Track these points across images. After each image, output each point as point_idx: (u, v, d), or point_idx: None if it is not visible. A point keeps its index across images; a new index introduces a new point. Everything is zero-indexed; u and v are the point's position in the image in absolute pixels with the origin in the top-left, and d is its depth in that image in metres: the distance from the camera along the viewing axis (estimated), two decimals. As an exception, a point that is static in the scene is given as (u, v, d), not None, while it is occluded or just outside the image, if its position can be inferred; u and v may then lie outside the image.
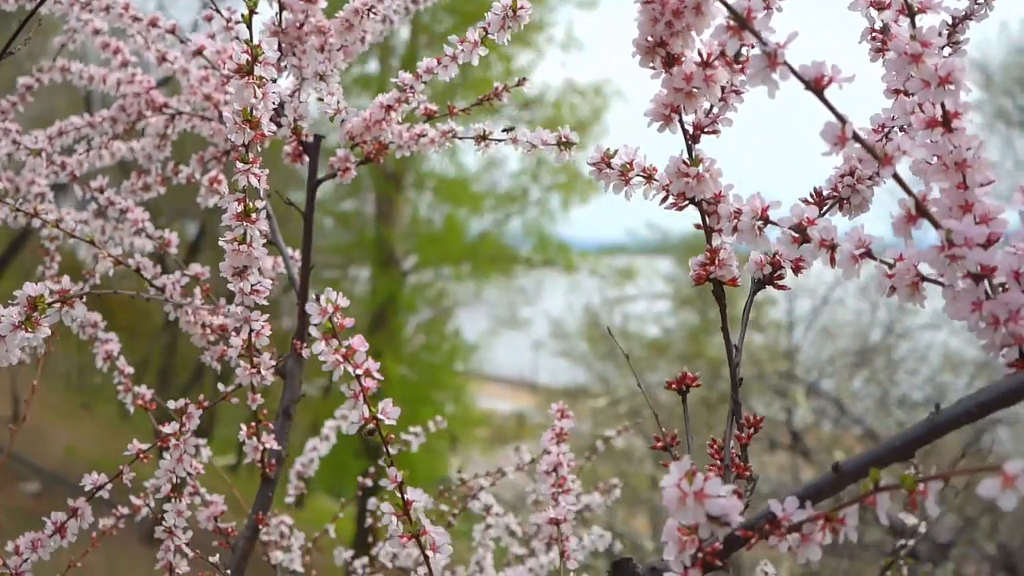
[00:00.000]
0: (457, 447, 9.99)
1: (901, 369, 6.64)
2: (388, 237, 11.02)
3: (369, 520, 1.25)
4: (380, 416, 0.63)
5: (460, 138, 0.98)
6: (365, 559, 1.35)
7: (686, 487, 0.49)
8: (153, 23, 1.10)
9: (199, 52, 1.07)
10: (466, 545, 1.50)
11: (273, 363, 0.90)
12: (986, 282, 0.52)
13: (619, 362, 9.06)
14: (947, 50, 0.72)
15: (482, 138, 0.96)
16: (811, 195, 0.68)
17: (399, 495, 0.64)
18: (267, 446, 0.96)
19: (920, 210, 0.51)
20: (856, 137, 0.50)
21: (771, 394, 6.29)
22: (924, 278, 0.54)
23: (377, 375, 0.62)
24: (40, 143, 1.14)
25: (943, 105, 0.53)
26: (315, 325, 0.60)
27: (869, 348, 7.09)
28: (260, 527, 0.98)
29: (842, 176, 0.68)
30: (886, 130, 0.68)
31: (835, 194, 0.68)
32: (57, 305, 0.66)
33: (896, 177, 0.51)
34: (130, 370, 1.10)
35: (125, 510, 1.12)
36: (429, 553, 0.64)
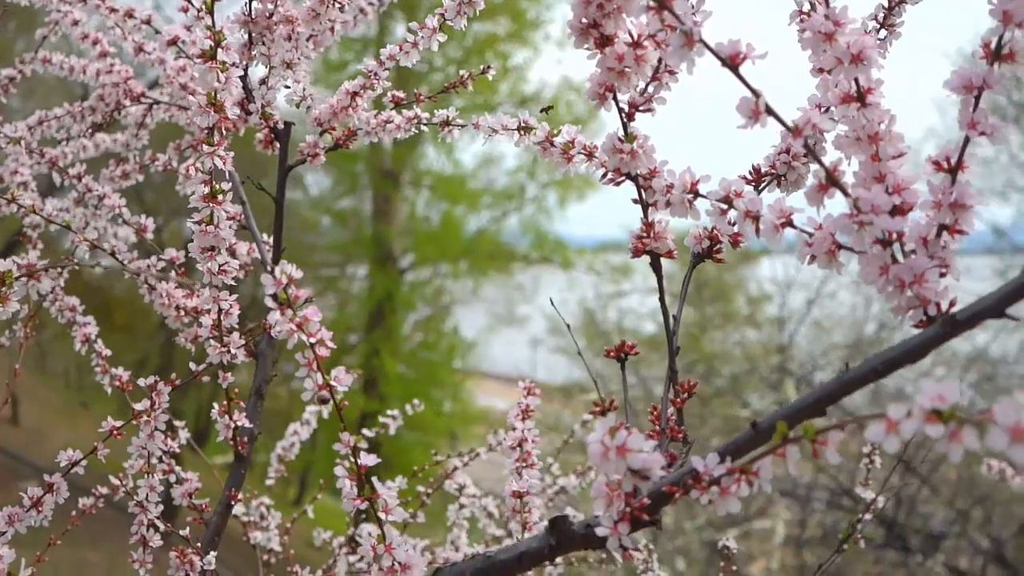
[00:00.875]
0: (456, 444, 10.05)
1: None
2: (385, 235, 11.06)
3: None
4: (333, 383, 0.65)
5: (425, 124, 1.01)
6: (342, 539, 1.38)
7: (609, 442, 0.52)
8: (129, 14, 1.13)
9: (173, 42, 1.09)
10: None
11: (242, 342, 0.93)
12: (898, 247, 0.55)
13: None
14: (883, 32, 0.75)
15: (445, 124, 0.99)
16: (749, 172, 0.71)
17: (352, 460, 0.67)
18: (239, 424, 0.99)
19: (831, 180, 0.54)
20: (769, 110, 0.53)
21: (765, 388, 6.33)
22: (840, 246, 0.57)
23: (330, 344, 0.65)
24: (20, 132, 1.17)
25: (857, 81, 0.56)
26: (270, 296, 0.63)
27: (863, 341, 7.13)
28: (233, 503, 1.01)
29: (779, 154, 0.71)
30: (822, 109, 0.71)
31: (772, 171, 0.71)
32: (24, 279, 0.69)
33: (807, 148, 0.54)
34: (107, 352, 1.12)
35: (104, 490, 1.15)
36: (382, 515, 0.67)
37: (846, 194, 0.54)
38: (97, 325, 1.12)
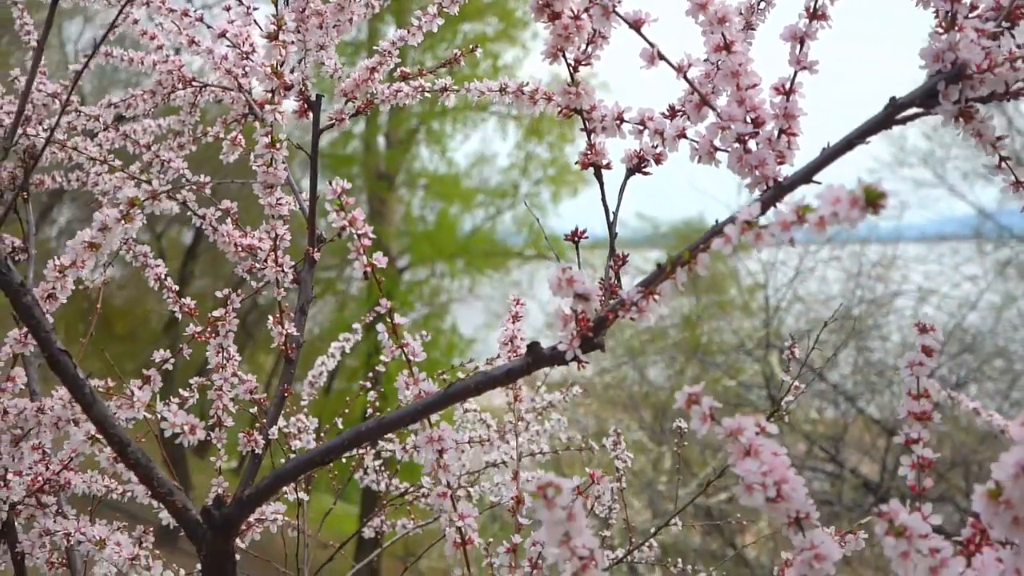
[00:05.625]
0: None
1: (873, 336, 6.97)
2: (382, 236, 11.32)
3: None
4: (375, 262, 0.92)
5: (428, 92, 1.28)
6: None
7: (562, 276, 0.79)
8: (185, 13, 1.39)
9: (223, 34, 1.36)
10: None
11: (293, 263, 1.20)
12: (753, 145, 0.82)
13: (615, 351, 9.45)
14: (762, 4, 1.02)
15: (444, 90, 1.26)
16: (667, 108, 0.98)
17: (390, 320, 0.94)
18: (289, 332, 1.26)
19: (703, 100, 0.81)
20: (661, 56, 0.80)
21: (752, 362, 6.61)
22: (716, 148, 0.84)
23: (371, 235, 0.92)
24: (97, 111, 1.44)
25: (724, 35, 0.83)
26: (328, 201, 0.90)
27: (850, 317, 7.43)
28: (286, 395, 1.28)
29: (687, 95, 0.98)
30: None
31: (682, 109, 0.98)
32: (150, 200, 0.95)
33: (687, 80, 0.81)
34: (176, 287, 1.39)
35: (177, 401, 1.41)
36: (411, 357, 0.94)
37: (714, 109, 0.81)
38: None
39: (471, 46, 1.30)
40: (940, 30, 0.74)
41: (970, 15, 0.75)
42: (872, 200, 0.57)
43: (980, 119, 0.75)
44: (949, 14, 0.74)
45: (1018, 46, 0.74)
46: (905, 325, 7.84)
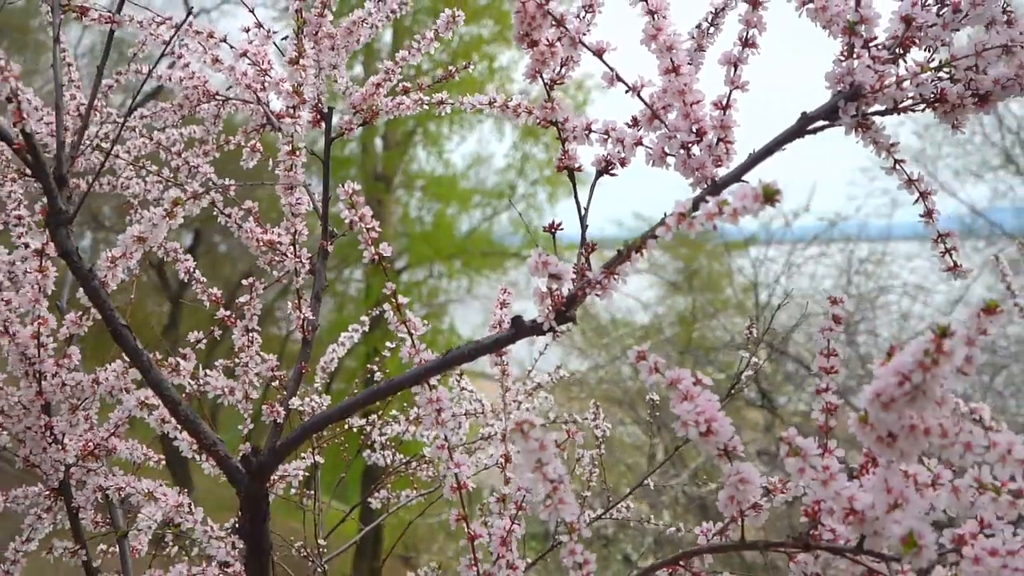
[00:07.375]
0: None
1: (863, 331, 7.14)
2: (380, 237, 11.49)
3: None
4: (381, 251, 1.10)
5: (427, 104, 1.45)
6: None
7: (539, 259, 0.97)
8: (210, 35, 1.56)
9: (244, 54, 1.53)
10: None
11: (310, 255, 1.37)
12: (697, 150, 0.99)
13: (611, 350, 9.64)
14: (712, 29, 1.19)
15: (441, 103, 1.43)
16: (631, 119, 1.15)
17: (394, 300, 1.11)
18: (306, 316, 1.43)
19: (654, 114, 0.99)
20: (618, 78, 0.97)
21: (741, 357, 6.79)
22: (667, 153, 1.01)
23: (378, 229, 1.09)
24: (131, 122, 1.61)
25: (671, 60, 1.00)
26: (341, 200, 1.07)
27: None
28: (303, 372, 1.45)
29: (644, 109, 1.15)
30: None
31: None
32: (191, 200, 1.12)
33: (640, 98, 0.98)
34: (204, 280, 1.56)
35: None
36: (413, 331, 1.11)
37: (662, 122, 0.98)
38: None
39: (464, 63, 1.47)
40: (842, 57, 0.91)
41: (870, 43, 0.93)
42: (769, 196, 0.74)
43: (875, 129, 0.92)
44: (847, 44, 0.91)
45: (907, 69, 0.91)
46: (895, 321, 8.02)
